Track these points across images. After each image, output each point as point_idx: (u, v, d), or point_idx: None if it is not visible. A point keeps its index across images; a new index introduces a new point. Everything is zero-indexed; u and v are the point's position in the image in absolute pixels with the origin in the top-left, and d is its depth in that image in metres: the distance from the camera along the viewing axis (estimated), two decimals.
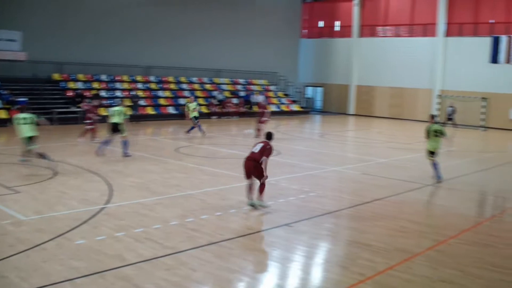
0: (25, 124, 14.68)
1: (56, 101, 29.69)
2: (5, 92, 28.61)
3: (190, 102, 24.94)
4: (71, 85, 32.14)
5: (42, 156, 14.57)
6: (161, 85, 36.45)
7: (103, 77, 34.31)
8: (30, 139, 14.72)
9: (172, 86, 37.13)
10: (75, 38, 32.15)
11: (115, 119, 17.91)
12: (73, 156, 17.37)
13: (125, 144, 17.86)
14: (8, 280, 7.09)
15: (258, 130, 24.74)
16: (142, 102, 33.52)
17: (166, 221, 10.05)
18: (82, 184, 13.26)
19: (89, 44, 32.71)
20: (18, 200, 11.36)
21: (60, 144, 20.01)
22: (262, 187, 11.22)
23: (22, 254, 8.07)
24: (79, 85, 32.55)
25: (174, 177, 14.55)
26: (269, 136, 11.53)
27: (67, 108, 29.30)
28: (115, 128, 17.92)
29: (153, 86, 35.98)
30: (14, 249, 8.24)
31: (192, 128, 24.18)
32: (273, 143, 11.50)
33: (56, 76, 32.07)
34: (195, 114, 24.32)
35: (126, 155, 17.70)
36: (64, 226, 9.49)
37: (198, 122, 24.32)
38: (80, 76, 33.21)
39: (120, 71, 34.91)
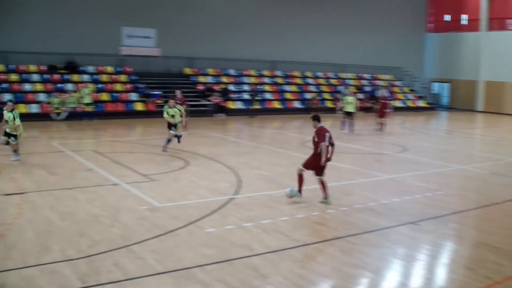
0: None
1: (187, 95, 30.96)
2: (142, 85, 30.31)
3: (349, 95, 24.34)
4: (201, 79, 33.36)
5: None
6: (287, 80, 36.75)
7: (231, 72, 35.24)
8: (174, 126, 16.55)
9: (298, 80, 37.29)
10: (205, 34, 33.27)
11: None
12: (203, 147, 18.01)
13: None
14: (145, 261, 7.49)
15: (381, 124, 24.16)
16: (268, 96, 34.02)
17: (292, 214, 10.11)
18: (212, 174, 13.70)
19: (218, 40, 33.71)
20: (153, 188, 11.98)
21: (191, 135, 20.78)
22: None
23: (158, 238, 8.49)
24: (209, 79, 33.71)
25: None
26: (316, 118, 10.93)
27: (197, 101, 30.44)
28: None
29: (279, 80, 36.37)
30: (151, 233, 8.70)
31: (345, 123, 23.55)
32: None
33: (187, 71, 33.44)
34: (351, 109, 23.46)
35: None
36: (195, 214, 9.87)
37: (351, 117, 23.52)
38: (210, 71, 34.36)
39: (248, 66, 35.67)
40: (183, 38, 32.49)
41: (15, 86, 27.52)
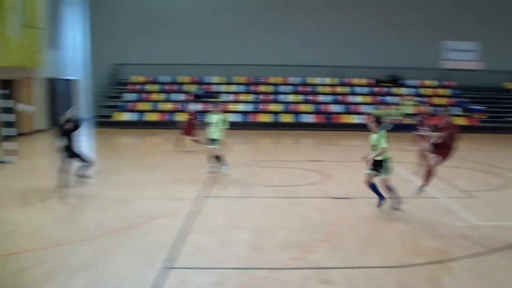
0: None
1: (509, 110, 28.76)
2: (464, 99, 29.22)
3: None
4: None
5: None
6: None
7: None
8: None
9: None
10: None
11: None
12: None
13: None
14: (460, 279, 7.21)
15: None
16: None
17: None
18: None
19: None
20: (473, 205, 11.44)
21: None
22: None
23: (475, 258, 8.10)
24: None
25: None
26: None
27: None
28: None
29: None
30: (467, 251, 8.35)
31: None
32: None
33: (508, 85, 31.01)
34: None
35: None
36: None
37: None
38: None
39: None
40: (507, 50, 30.29)
41: (343, 98, 29.44)
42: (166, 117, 27.45)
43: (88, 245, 8.42)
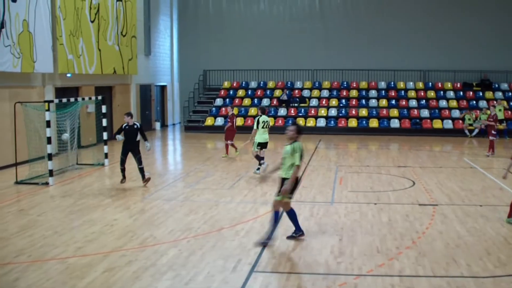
0: None
1: None
2: None
3: None
4: None
5: None
6: None
7: None
8: None
9: None
10: None
11: None
12: None
13: None
14: None
15: None
16: None
17: None
18: None
19: None
20: None
21: None
22: None
23: None
24: None
25: None
26: None
27: None
28: None
29: None
30: None
31: None
32: None
33: None
34: None
35: None
36: None
37: None
38: None
39: None
40: None
41: (433, 103, 28.47)
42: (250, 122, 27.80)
43: (176, 247, 8.67)
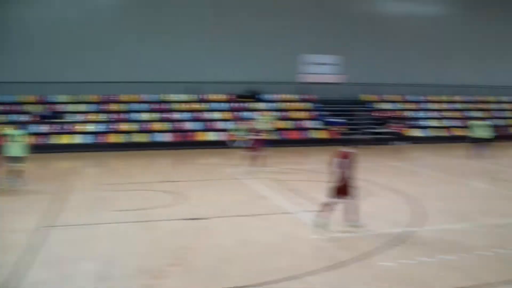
0: None
1: (368, 122, 30.70)
2: (324, 113, 30.76)
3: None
4: (381, 105, 32.99)
5: None
6: (474, 105, 34.96)
7: (413, 98, 34.33)
8: None
9: (492, 105, 35.36)
10: (384, 60, 33.13)
11: None
12: (382, 177, 17.64)
13: None
14: None
15: None
16: (428, 123, 32.58)
17: (479, 251, 9.41)
18: (391, 205, 13.36)
19: (397, 65, 33.30)
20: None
21: (370, 164, 20.48)
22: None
23: (330, 270, 8.39)
24: (389, 105, 33.22)
25: (490, 203, 13.67)
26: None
27: (375, 128, 30.15)
28: None
29: (465, 106, 34.67)
30: (324, 264, 8.64)
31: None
32: None
33: (366, 97, 33.28)
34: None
35: None
36: (370, 246, 9.60)
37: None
38: (390, 97, 33.86)
39: (432, 92, 34.56)
40: (363, 64, 32.51)
41: (201, 115, 29.63)
42: None
43: None
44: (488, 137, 24.18)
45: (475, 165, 21.59)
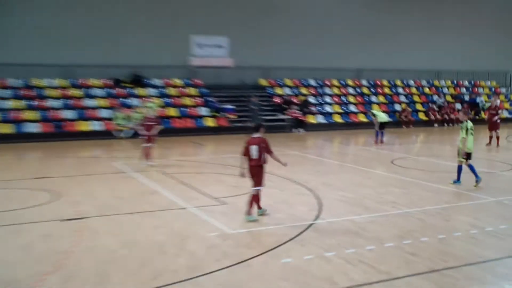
0: None
1: (264, 108, 31.05)
2: (213, 99, 30.74)
3: None
4: (278, 91, 33.48)
5: None
6: (374, 90, 36.33)
7: (312, 82, 35.18)
8: None
9: (386, 90, 36.81)
10: (281, 42, 33.58)
11: None
12: (280, 166, 17.89)
13: None
14: None
15: (490, 138, 23.42)
16: (352, 108, 33.73)
17: (380, 242, 9.81)
18: (290, 197, 13.62)
19: (295, 48, 33.94)
20: (224, 212, 11.99)
21: None
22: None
23: (228, 269, 8.41)
24: (287, 91, 33.80)
25: (389, 192, 14.26)
26: (257, 128, 11.46)
27: (274, 115, 30.59)
28: None
29: (365, 90, 35.99)
30: (220, 263, 8.63)
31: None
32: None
33: (262, 82, 33.68)
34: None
35: None
36: (271, 242, 9.74)
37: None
38: (288, 81, 34.47)
39: (330, 75, 35.55)
40: (258, 47, 32.89)
41: (78, 102, 28.68)
42: None
43: None
44: (388, 121, 25.30)
45: (376, 152, 22.53)
